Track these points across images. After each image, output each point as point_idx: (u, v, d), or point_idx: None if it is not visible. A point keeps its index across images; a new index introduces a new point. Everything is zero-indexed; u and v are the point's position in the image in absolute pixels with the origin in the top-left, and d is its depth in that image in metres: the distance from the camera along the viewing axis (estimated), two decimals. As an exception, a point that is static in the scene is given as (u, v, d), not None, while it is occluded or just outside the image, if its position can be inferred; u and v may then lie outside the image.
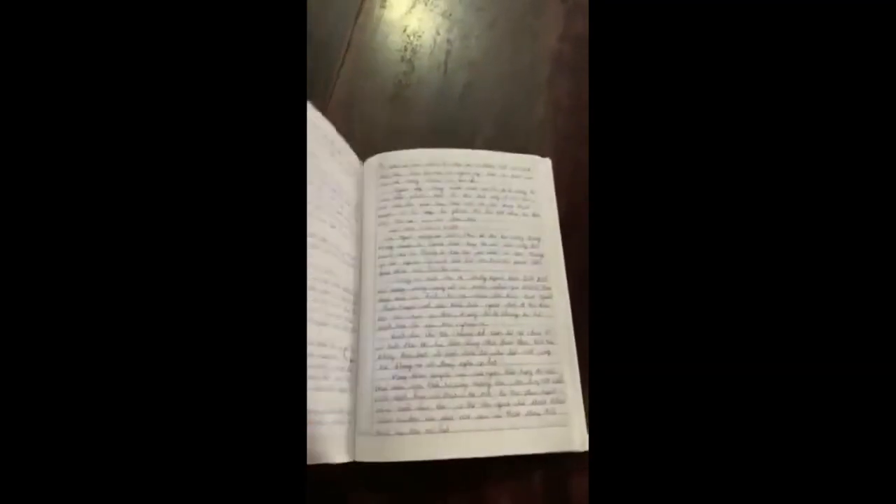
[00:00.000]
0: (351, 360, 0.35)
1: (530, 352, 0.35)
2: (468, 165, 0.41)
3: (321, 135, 0.38)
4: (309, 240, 0.33)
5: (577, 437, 0.33)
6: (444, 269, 0.37)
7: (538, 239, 0.39)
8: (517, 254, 0.38)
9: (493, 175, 0.41)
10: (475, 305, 0.36)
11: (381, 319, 0.36)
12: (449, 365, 0.34)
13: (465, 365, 0.34)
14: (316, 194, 0.35)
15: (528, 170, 0.42)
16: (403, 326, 0.36)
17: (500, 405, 0.33)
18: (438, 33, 0.51)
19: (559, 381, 0.34)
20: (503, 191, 0.41)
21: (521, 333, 0.36)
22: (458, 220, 0.39)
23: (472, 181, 0.41)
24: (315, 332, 0.32)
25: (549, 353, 0.35)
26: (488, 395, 0.33)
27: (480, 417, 0.33)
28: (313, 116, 0.37)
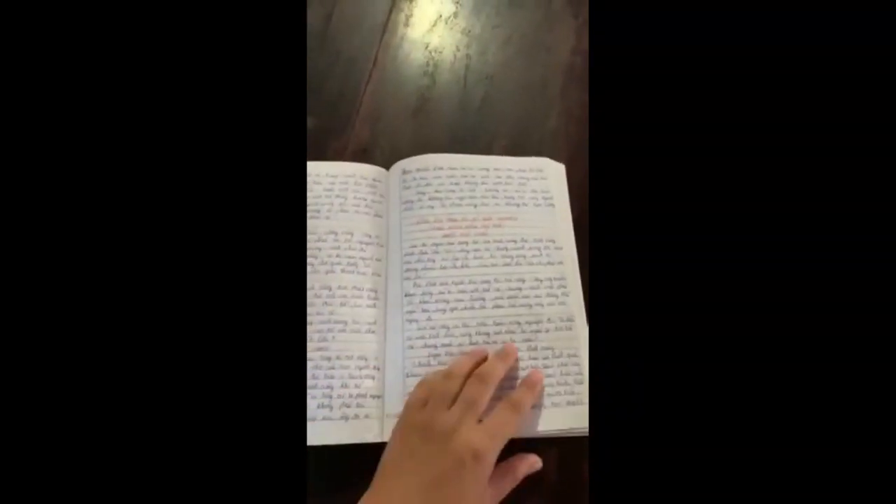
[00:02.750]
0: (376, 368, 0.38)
1: (551, 337, 0.38)
2: (484, 168, 0.45)
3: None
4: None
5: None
6: (466, 266, 0.41)
7: (555, 230, 0.42)
8: (536, 245, 0.42)
9: (510, 176, 0.45)
10: (498, 297, 0.39)
11: (409, 312, 0.39)
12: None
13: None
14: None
15: (542, 170, 0.45)
16: (430, 319, 0.39)
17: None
18: (458, 49, 0.54)
19: (577, 364, 0.37)
20: (518, 190, 0.44)
21: (538, 322, 0.39)
22: (477, 217, 0.43)
23: (485, 181, 0.44)
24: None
25: (567, 338, 0.38)
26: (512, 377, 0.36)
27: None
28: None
